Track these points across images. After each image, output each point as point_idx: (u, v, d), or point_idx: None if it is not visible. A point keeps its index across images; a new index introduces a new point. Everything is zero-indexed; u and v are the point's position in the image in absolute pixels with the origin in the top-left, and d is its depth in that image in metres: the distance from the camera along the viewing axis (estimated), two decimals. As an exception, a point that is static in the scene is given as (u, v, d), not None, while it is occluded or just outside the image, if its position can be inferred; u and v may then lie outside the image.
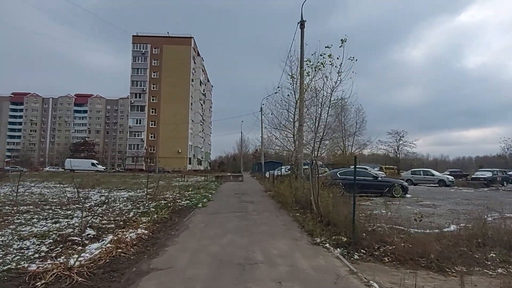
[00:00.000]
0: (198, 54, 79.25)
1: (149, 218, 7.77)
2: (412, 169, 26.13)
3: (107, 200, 11.08)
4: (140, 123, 68.45)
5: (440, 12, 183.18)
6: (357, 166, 6.50)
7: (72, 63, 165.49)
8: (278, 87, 13.90)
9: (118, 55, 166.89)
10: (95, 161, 58.12)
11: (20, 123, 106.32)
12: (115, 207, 9.87)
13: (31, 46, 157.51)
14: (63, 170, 54.25)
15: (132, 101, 68.85)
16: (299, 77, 14.60)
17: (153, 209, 9.29)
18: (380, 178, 15.69)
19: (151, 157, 64.11)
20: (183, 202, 11.60)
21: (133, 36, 69.85)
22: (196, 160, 77.17)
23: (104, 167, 60.98)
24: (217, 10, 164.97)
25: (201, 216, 8.59)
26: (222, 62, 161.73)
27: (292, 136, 15.30)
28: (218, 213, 9.11)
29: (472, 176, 25.45)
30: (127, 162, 69.00)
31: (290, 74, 15.28)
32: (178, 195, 14.07)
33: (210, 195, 14.07)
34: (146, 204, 10.39)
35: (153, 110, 68.84)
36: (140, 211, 9.10)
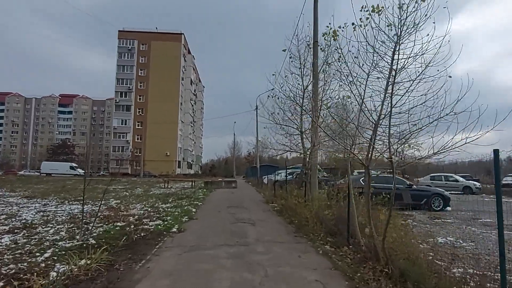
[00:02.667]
0: (189, 52, 75.35)
1: (65, 267, 4.16)
2: (431, 174, 22.59)
3: (30, 223, 7.33)
4: (125, 124, 63.92)
5: (428, 19, 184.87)
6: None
7: (57, 62, 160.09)
8: (290, 57, 10.52)
9: (107, 54, 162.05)
10: (74, 164, 53.42)
11: (1, 124, 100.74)
12: (37, 235, 6.22)
13: (13, 44, 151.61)
14: (39, 174, 49.61)
15: (117, 101, 64.31)
16: (311, 57, 11.30)
17: (94, 241, 5.69)
18: (415, 187, 12.28)
19: (137, 160, 59.81)
20: (152, 222, 7.97)
21: (119, 31, 65.51)
22: (186, 163, 73.00)
23: (84, 171, 56.50)
24: (214, 15, 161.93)
25: (170, 256, 4.97)
26: (217, 65, 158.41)
27: (299, 133, 11.93)
28: (199, 249, 5.50)
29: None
30: (112, 165, 64.43)
31: (298, 55, 11.98)
32: (150, 209, 10.40)
33: (193, 210, 10.42)
34: (91, 229, 6.73)
35: (140, 110, 64.48)
36: (69, 244, 5.47)
